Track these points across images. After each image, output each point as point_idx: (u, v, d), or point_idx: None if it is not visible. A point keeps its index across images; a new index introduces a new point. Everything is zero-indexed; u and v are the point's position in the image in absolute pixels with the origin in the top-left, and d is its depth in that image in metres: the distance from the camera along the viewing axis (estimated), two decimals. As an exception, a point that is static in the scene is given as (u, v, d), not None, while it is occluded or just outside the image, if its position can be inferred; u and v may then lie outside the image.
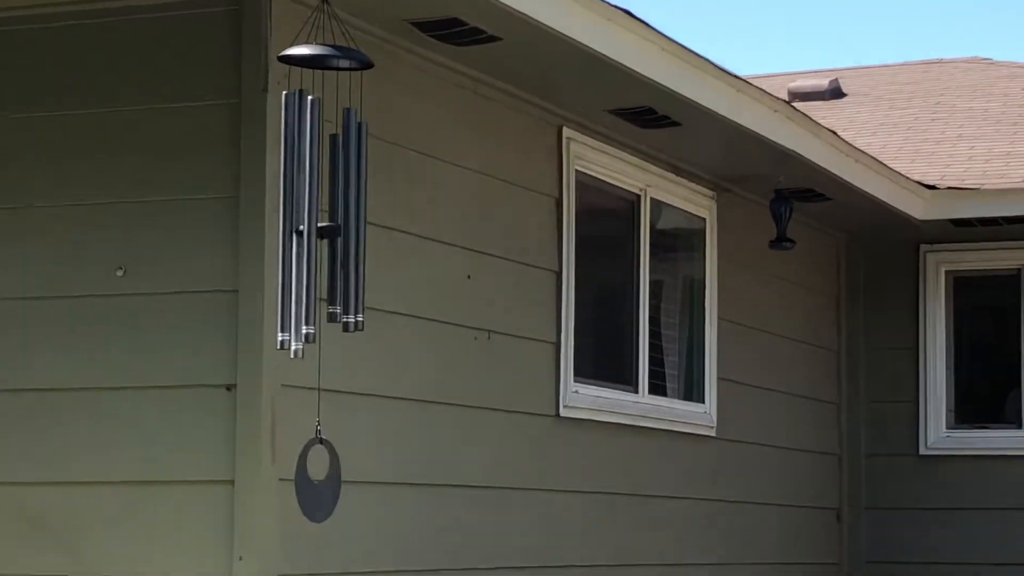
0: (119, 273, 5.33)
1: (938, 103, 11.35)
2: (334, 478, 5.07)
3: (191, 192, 5.33)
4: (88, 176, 5.52)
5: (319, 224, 4.63)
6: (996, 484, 9.43)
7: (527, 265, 6.74)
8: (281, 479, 4.99)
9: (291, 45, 4.60)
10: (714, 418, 8.39)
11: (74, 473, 5.33)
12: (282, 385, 5.09)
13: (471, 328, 6.25)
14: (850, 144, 8.41)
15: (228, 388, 5.18)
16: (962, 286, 9.65)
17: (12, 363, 5.50)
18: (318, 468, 4.89)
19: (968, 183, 9.25)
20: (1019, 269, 9.37)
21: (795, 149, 7.73)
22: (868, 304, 9.77)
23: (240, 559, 5.01)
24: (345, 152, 4.75)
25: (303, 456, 4.88)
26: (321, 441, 4.91)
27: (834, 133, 8.28)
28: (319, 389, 4.89)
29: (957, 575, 9.38)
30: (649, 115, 6.92)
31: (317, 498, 5.06)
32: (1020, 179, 9.08)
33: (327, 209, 4.67)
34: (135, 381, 5.33)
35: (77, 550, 5.30)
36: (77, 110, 5.57)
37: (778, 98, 7.72)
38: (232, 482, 5.10)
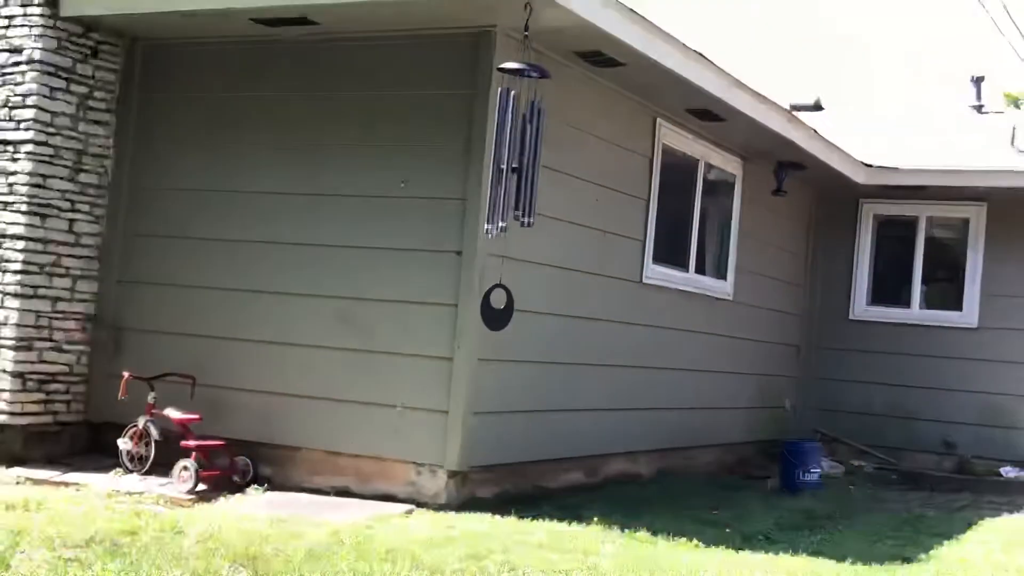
0: (402, 184, 8.03)
1: (880, 118, 15.37)
2: (509, 307, 7.79)
3: (444, 142, 7.89)
4: (385, 133, 8.13)
5: (513, 165, 7.28)
6: (892, 339, 13.27)
7: (630, 195, 9.73)
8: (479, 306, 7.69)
9: (506, 61, 7.34)
10: (731, 290, 11.73)
11: (369, 294, 8.07)
12: (488, 254, 7.73)
13: (596, 229, 9.21)
14: (824, 138, 11.88)
15: (458, 253, 7.78)
16: (882, 223, 13.50)
17: (336, 232, 8.19)
18: (498, 301, 7.74)
19: (890, 165, 13.02)
20: (916, 216, 12.87)
21: (791, 139, 11.05)
22: (826, 231, 13.66)
23: (458, 347, 7.75)
24: (530, 125, 7.37)
25: (488, 293, 7.65)
26: (501, 286, 7.83)
27: (815, 131, 11.66)
28: (504, 256, 7.80)
29: (862, 385, 13.46)
30: (707, 114, 10.00)
31: (495, 318, 7.81)
32: (919, 166, 12.82)
33: (518, 156, 7.30)
34: (409, 246, 7.96)
35: (371, 336, 8.06)
36: (383, 91, 8.20)
37: (783, 107, 10.88)
38: (456, 305, 7.76)
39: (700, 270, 11.17)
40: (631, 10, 7.91)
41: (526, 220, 7.49)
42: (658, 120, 10.07)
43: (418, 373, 7.91)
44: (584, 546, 6.73)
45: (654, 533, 7.31)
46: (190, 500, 7.61)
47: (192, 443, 8.00)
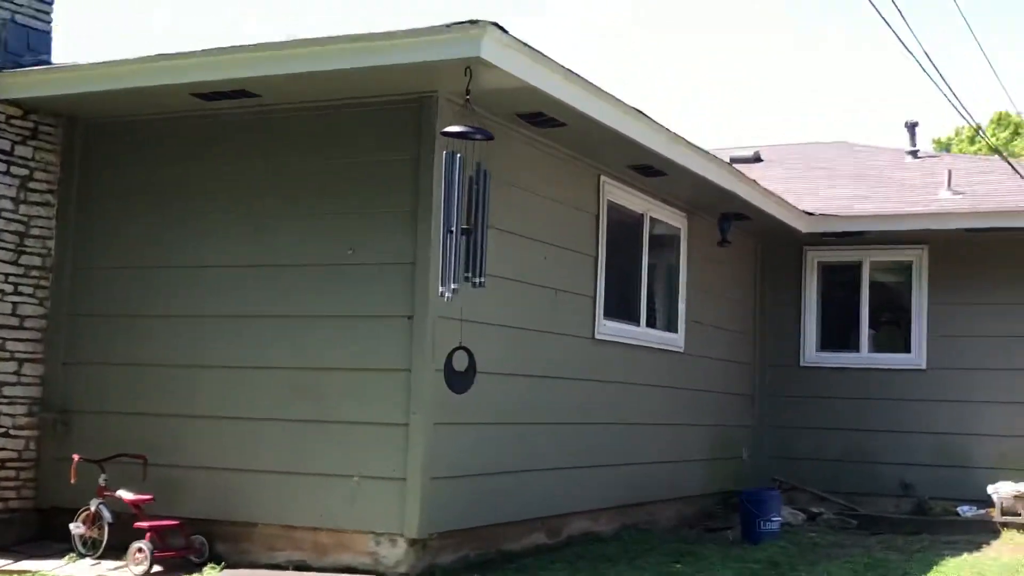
0: (350, 252, 7.98)
1: (817, 166, 15.62)
2: (471, 369, 7.78)
3: (392, 207, 7.87)
4: (332, 200, 8.11)
5: (462, 226, 7.28)
6: (843, 384, 13.41)
7: (579, 253, 9.78)
8: (437, 369, 7.67)
9: (449, 125, 7.33)
10: (683, 343, 11.83)
11: (321, 363, 7.97)
12: (439, 316, 7.69)
13: (547, 287, 9.24)
14: (765, 188, 12.08)
15: (409, 317, 7.70)
16: (827, 270, 13.71)
17: (284, 302, 8.14)
18: (460, 363, 7.71)
19: (831, 212, 13.23)
20: (860, 261, 13.18)
21: (734, 191, 11.20)
22: (772, 279, 13.79)
23: (414, 413, 7.64)
24: (476, 186, 7.42)
25: (450, 356, 7.65)
26: (463, 348, 7.82)
27: (755, 182, 11.84)
28: (457, 319, 7.71)
29: (817, 431, 13.52)
30: (650, 169, 10.12)
31: (458, 380, 7.79)
32: (859, 212, 12.95)
33: (467, 218, 7.31)
34: (360, 312, 7.89)
35: (324, 405, 7.94)
36: (326, 159, 8.17)
37: (724, 161, 11.07)
38: (410, 370, 7.68)
39: (651, 324, 11.23)
40: (569, 71, 7.98)
41: (477, 281, 7.50)
42: (602, 177, 10.16)
43: (373, 441, 7.83)
44: (549, 608, 6.64)
45: (619, 591, 7.23)
46: (146, 582, 7.43)
47: (146, 524, 7.85)
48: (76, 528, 8.13)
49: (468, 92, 7.33)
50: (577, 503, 9.77)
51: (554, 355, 9.41)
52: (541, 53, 7.60)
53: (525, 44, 7.43)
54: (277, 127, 8.45)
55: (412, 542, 7.71)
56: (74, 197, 9.10)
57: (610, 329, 10.28)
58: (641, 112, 8.96)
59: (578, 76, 8.08)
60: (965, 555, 9.97)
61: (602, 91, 8.44)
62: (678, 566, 8.51)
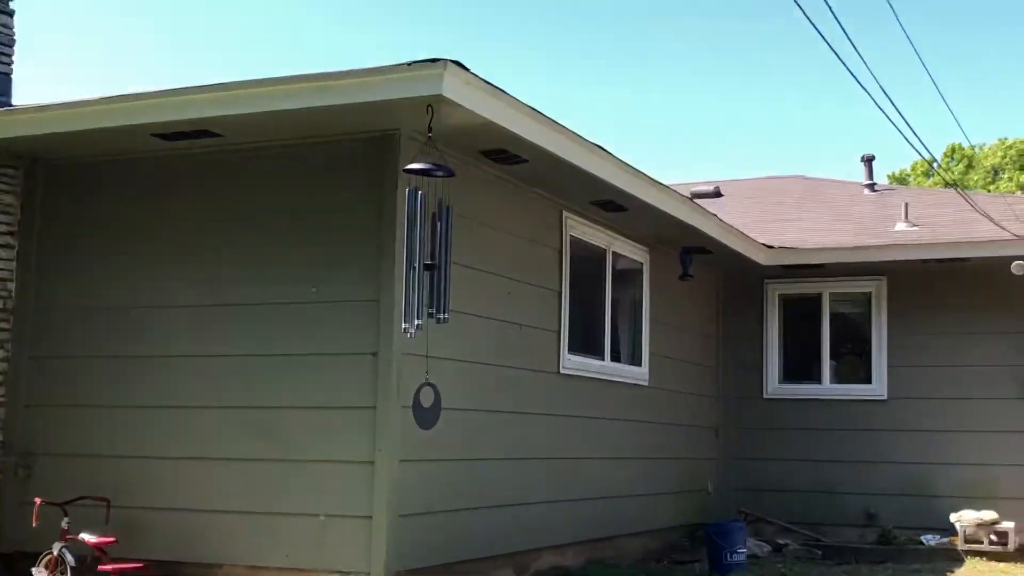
0: (313, 290, 7.96)
1: (777, 200, 15.89)
2: (437, 404, 7.80)
3: (354, 244, 7.86)
4: (294, 239, 8.10)
5: (425, 262, 7.30)
6: (806, 415, 13.51)
7: (541, 287, 9.81)
8: (403, 406, 7.64)
9: (411, 162, 7.29)
10: (647, 376, 11.86)
11: (285, 402, 7.94)
12: (404, 353, 7.65)
13: (511, 323, 9.25)
14: (725, 222, 12.19)
15: (373, 355, 7.66)
16: (788, 302, 13.80)
17: (246, 341, 8.10)
18: (427, 399, 7.78)
19: (790, 245, 13.38)
20: (819, 293, 13.24)
21: (694, 225, 11.29)
22: (733, 312, 13.88)
23: (380, 450, 7.58)
24: (439, 222, 7.46)
25: (417, 392, 7.66)
26: (429, 384, 7.86)
27: (715, 216, 11.94)
28: (427, 356, 7.67)
29: (781, 463, 13.72)
30: (612, 204, 10.20)
31: (425, 416, 7.80)
32: (817, 244, 13.15)
33: (430, 254, 7.35)
34: (323, 350, 7.86)
35: (288, 445, 7.91)
36: (288, 197, 8.19)
37: (685, 196, 11.18)
38: (375, 407, 7.61)
39: (616, 358, 11.25)
40: (531, 108, 8.03)
41: (441, 316, 7.53)
42: (565, 213, 10.23)
43: (339, 479, 7.79)
44: (518, 643, 6.61)
45: (588, 625, 7.21)
46: (110, 626, 7.33)
47: (110, 567, 7.76)
48: (39, 572, 8.02)
49: (430, 129, 7.36)
50: (544, 538, 9.74)
51: (520, 390, 9.42)
52: (502, 90, 7.65)
53: (486, 82, 7.48)
54: (239, 166, 8.44)
55: (379, 581, 7.64)
56: (35, 239, 9.05)
57: (575, 363, 10.30)
58: (603, 148, 9.04)
59: (540, 113, 8.14)
60: (929, 583, 10.03)
61: (564, 128, 8.49)
62: (646, 599, 8.49)
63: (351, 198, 8.06)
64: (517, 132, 7.98)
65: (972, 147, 47.26)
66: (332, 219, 8.10)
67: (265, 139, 8.25)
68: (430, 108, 7.24)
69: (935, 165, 34.14)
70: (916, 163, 46.11)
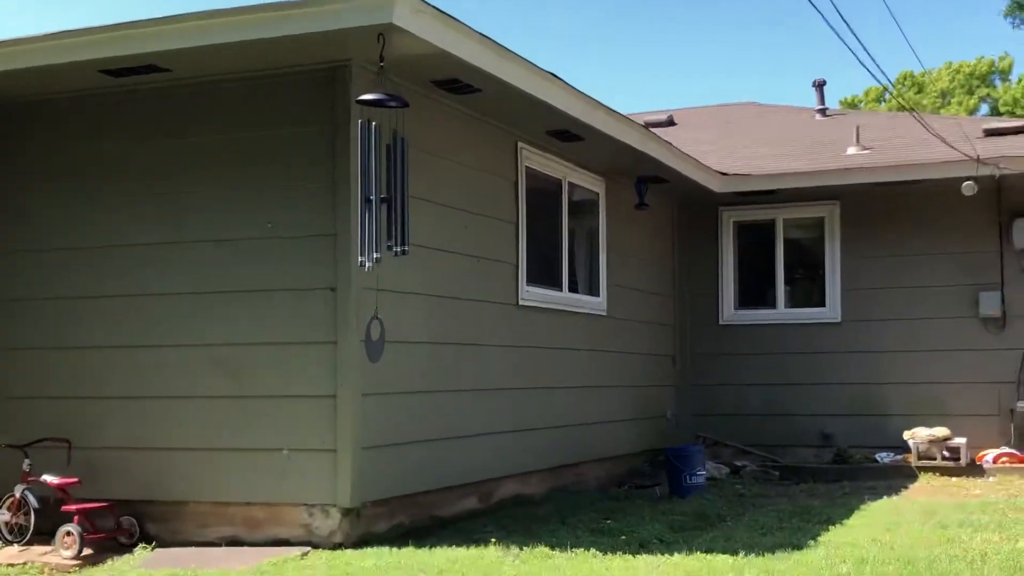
0: (269, 226, 7.94)
1: (730, 128, 16.00)
2: (382, 338, 7.77)
3: (309, 179, 7.83)
4: (249, 174, 8.05)
5: (381, 195, 7.33)
6: (762, 340, 13.71)
7: (498, 219, 9.83)
8: (361, 340, 7.66)
9: (363, 93, 7.32)
10: (605, 306, 11.96)
11: (246, 338, 7.95)
12: (363, 287, 7.65)
13: (469, 256, 9.27)
14: (679, 149, 12.24)
15: (332, 289, 7.70)
16: (742, 229, 13.96)
17: (203, 278, 8.07)
18: (375, 332, 7.78)
19: (744, 172, 13.43)
20: (773, 219, 13.52)
21: (649, 153, 11.31)
22: (690, 240, 14.03)
23: (341, 385, 7.64)
24: (394, 155, 7.48)
25: (368, 326, 7.71)
26: (376, 318, 7.83)
27: (669, 144, 11.99)
28: (379, 289, 7.75)
29: (738, 388, 13.83)
30: (567, 134, 10.20)
31: (374, 349, 7.83)
32: (771, 170, 13.20)
33: (385, 187, 7.42)
34: (282, 286, 7.87)
35: (250, 381, 7.93)
36: (241, 132, 8.11)
37: (639, 124, 11.17)
38: (335, 342, 7.67)
39: (573, 288, 11.32)
40: (484, 36, 7.99)
41: (399, 249, 7.53)
42: (520, 144, 10.21)
43: (302, 414, 7.82)
44: (485, 568, 6.74)
45: (552, 548, 7.35)
46: (76, 565, 7.37)
47: (73, 507, 7.77)
48: (1, 515, 8.02)
49: (382, 59, 7.31)
50: (507, 467, 9.87)
51: (479, 322, 9.46)
52: (453, 18, 7.60)
53: (437, 9, 7.42)
54: (189, 102, 8.34)
55: (345, 512, 7.73)
56: (-16, 180, 8.90)
57: (533, 295, 10.36)
58: (556, 76, 9.00)
59: (492, 40, 8.09)
60: (885, 499, 10.28)
61: (516, 56, 8.45)
62: (609, 522, 8.64)
63: (304, 131, 8.01)
64: (469, 61, 7.93)
65: (924, 72, 47.55)
66: (286, 153, 8.06)
67: (215, 73, 8.15)
68: (381, 37, 7.19)
69: (889, 89, 34.31)
70: (869, 90, 46.33)
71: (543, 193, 10.70)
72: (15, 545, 7.90)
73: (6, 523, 8.01)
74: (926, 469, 12.24)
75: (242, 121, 8.22)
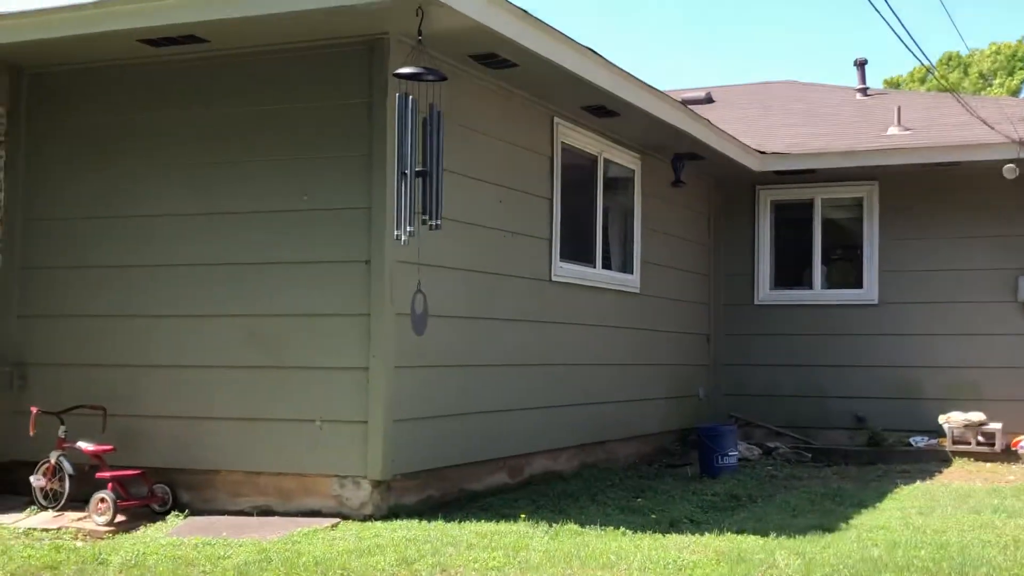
0: (304, 198, 7.96)
1: (768, 106, 15.74)
2: (426, 312, 7.90)
3: (345, 152, 7.83)
4: (284, 146, 8.04)
5: (416, 169, 7.34)
6: (797, 321, 13.62)
7: (533, 195, 9.80)
8: (397, 313, 7.72)
9: (401, 67, 7.33)
10: (639, 284, 11.91)
11: (280, 310, 7.99)
12: (396, 260, 7.70)
13: (503, 231, 9.26)
14: (717, 127, 12.11)
15: (366, 262, 7.72)
16: (779, 208, 13.81)
17: (239, 250, 8.11)
18: (419, 306, 7.87)
19: (782, 151, 13.32)
20: (812, 198, 13.29)
21: (686, 130, 11.22)
22: (726, 219, 13.92)
23: (374, 356, 7.68)
24: (430, 128, 7.48)
25: (413, 299, 7.77)
26: (420, 291, 7.93)
27: (708, 121, 11.89)
28: (414, 263, 7.84)
29: (772, 368, 13.76)
30: (603, 110, 10.13)
31: (419, 322, 7.95)
32: (810, 150, 13.10)
33: (421, 161, 7.43)
34: (316, 258, 7.88)
35: (284, 352, 7.98)
36: (278, 104, 8.13)
37: (677, 101, 11.06)
38: (369, 315, 7.69)
39: (607, 265, 11.28)
40: (522, 10, 7.95)
41: (433, 223, 7.54)
42: (556, 119, 10.16)
43: (335, 385, 7.85)
44: (514, 543, 6.74)
45: (581, 525, 7.35)
46: (110, 531, 7.45)
47: (107, 474, 7.84)
48: (36, 480, 8.11)
49: (420, 33, 7.28)
50: (538, 443, 9.87)
51: (512, 297, 9.45)
52: (492, -9, 7.55)
53: (476, -18, 7.37)
54: (227, 73, 8.34)
55: (376, 484, 7.76)
56: (23, 148, 8.97)
57: (566, 271, 10.33)
58: (594, 51, 8.94)
59: (531, 15, 8.05)
60: (918, 483, 10.21)
61: (555, 30, 8.41)
62: (639, 501, 8.63)
63: (341, 104, 8.00)
64: (507, 35, 7.90)
65: (968, 54, 46.91)
66: (322, 126, 8.05)
67: (254, 45, 8.15)
68: (420, 10, 7.17)
69: (931, 70, 33.88)
70: (914, 71, 45.75)
71: (578, 169, 10.66)
72: (50, 510, 7.99)
73: (41, 488, 8.10)
74: (960, 454, 12.15)
75: (279, 94, 8.22)
